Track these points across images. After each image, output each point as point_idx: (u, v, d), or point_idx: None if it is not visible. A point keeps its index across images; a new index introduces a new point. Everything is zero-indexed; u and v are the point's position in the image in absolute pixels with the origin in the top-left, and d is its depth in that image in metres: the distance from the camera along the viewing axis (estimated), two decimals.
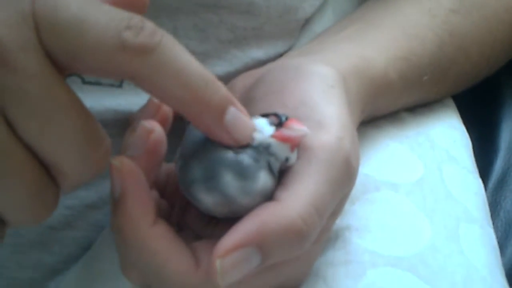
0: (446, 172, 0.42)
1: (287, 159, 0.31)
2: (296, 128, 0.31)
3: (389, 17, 0.45)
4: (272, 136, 0.31)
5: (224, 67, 0.42)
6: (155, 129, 0.32)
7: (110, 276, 0.38)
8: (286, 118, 0.31)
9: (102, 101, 0.39)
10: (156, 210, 0.31)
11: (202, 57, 0.41)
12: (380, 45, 0.42)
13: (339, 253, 0.37)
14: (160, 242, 0.30)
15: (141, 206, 0.30)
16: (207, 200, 0.31)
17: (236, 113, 0.29)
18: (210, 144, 0.30)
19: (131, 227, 0.30)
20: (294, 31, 0.45)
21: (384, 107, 0.43)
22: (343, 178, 0.32)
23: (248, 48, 0.43)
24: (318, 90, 0.35)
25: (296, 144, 0.31)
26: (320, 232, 0.33)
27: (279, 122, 0.31)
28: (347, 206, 0.36)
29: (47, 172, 0.28)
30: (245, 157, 0.30)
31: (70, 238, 0.41)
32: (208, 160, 0.30)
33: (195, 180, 0.30)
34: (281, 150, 0.31)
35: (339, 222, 0.37)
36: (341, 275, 0.36)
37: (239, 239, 0.29)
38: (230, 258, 0.29)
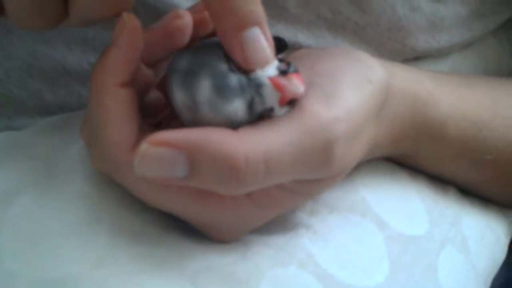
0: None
1: (271, 109, 0.30)
2: (293, 82, 0.30)
3: (492, 86, 0.42)
4: (269, 78, 0.30)
5: (305, 38, 0.41)
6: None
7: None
8: (295, 71, 0.30)
9: None
10: (130, 77, 0.31)
11: (292, 18, 0.41)
12: (456, 96, 0.39)
13: None
14: (114, 102, 0.30)
15: (117, 62, 0.30)
16: (178, 95, 0.30)
17: (258, 35, 0.29)
18: (215, 48, 0.30)
19: (100, 76, 0.30)
20: (395, 54, 0.43)
21: (429, 160, 0.40)
22: (315, 157, 0.30)
23: (341, 40, 0.42)
24: (352, 74, 0.33)
25: (285, 98, 0.30)
26: (265, 194, 0.31)
27: (284, 71, 0.30)
28: None
29: None
30: (234, 78, 0.30)
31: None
32: (201, 58, 0.30)
33: (178, 70, 0.30)
34: (270, 96, 0.30)
35: None
36: None
37: (175, 138, 0.28)
38: (157, 150, 0.28)
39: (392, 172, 0.39)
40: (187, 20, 0.33)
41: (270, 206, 0.32)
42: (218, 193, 0.30)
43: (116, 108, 0.30)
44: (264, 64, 0.29)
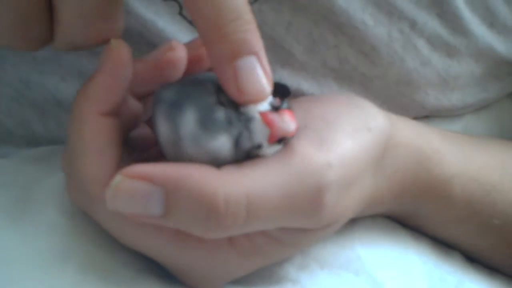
0: None
1: (259, 146, 0.28)
2: (285, 119, 0.28)
3: (502, 148, 0.40)
4: (260, 112, 0.28)
5: (309, 86, 0.40)
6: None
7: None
8: (288, 108, 0.29)
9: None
10: (113, 107, 0.29)
11: (297, 64, 0.39)
12: (463, 155, 0.37)
13: None
14: (93, 131, 0.28)
15: (100, 89, 0.29)
16: (161, 128, 0.28)
17: (253, 64, 0.27)
18: (206, 82, 0.29)
19: (80, 102, 0.29)
20: (404, 110, 0.41)
21: (431, 222, 0.37)
22: (303, 203, 0.28)
23: (346, 90, 0.40)
24: (350, 120, 0.31)
25: (274, 135, 0.28)
26: (248, 241, 0.29)
27: (277, 107, 0.28)
28: None
29: (46, 6, 0.27)
30: (222, 112, 0.28)
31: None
32: (188, 89, 0.29)
33: (163, 101, 0.29)
34: (259, 132, 0.28)
35: None
36: None
37: (152, 172, 0.26)
38: (131, 183, 0.26)
39: (393, 231, 0.37)
40: (181, 53, 0.31)
41: (253, 255, 0.30)
42: (196, 235, 0.28)
43: (94, 137, 0.29)
44: (259, 96, 0.27)
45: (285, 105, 0.28)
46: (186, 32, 0.37)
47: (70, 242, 0.30)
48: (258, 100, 0.27)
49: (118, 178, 0.26)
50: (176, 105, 0.28)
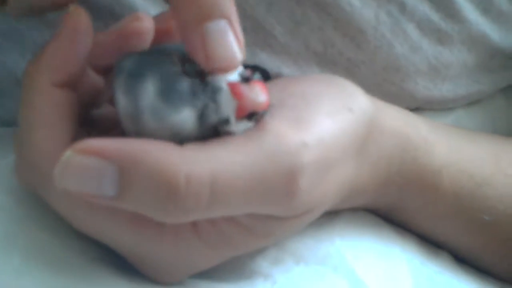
0: None
1: (227, 121, 0.25)
2: (254, 90, 0.25)
3: (494, 141, 0.37)
4: (228, 82, 0.25)
5: (290, 71, 0.37)
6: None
7: None
8: (259, 80, 0.26)
9: None
10: (68, 77, 0.26)
11: (279, 47, 0.36)
12: (453, 145, 0.34)
13: None
14: (45, 103, 0.26)
15: (54, 58, 0.26)
16: (120, 100, 0.26)
17: (224, 28, 0.24)
18: (170, 51, 0.26)
19: (33, 72, 0.26)
20: (392, 100, 0.39)
21: (418, 216, 0.34)
22: (275, 186, 0.25)
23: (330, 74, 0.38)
24: (330, 100, 0.28)
25: (243, 107, 0.25)
26: (213, 229, 0.26)
27: (247, 78, 0.26)
28: None
29: None
30: (186, 83, 0.25)
31: None
32: (150, 59, 0.26)
33: (122, 71, 0.26)
34: (226, 104, 0.25)
35: None
36: None
37: (105, 146, 0.24)
38: (82, 158, 0.23)
39: (376, 225, 0.34)
40: (147, 24, 0.29)
41: (220, 245, 0.27)
42: (155, 220, 0.25)
43: (47, 110, 0.26)
44: (229, 63, 0.25)
45: (256, 76, 0.26)
46: (158, 7, 0.34)
47: (16, 227, 0.27)
48: (227, 67, 0.25)
49: (68, 153, 0.24)
50: (136, 75, 0.25)
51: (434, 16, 0.37)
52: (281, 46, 0.36)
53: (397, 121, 0.32)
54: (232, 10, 0.24)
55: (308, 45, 0.37)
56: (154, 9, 0.34)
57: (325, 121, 0.27)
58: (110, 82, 0.30)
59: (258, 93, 0.25)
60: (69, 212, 0.26)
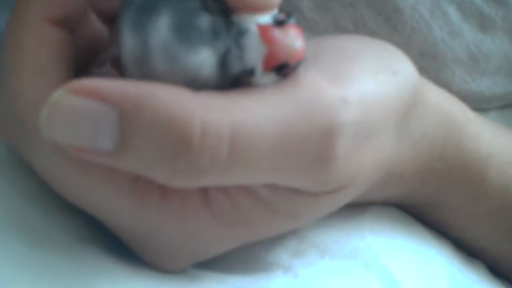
0: None
1: (251, 71, 0.21)
2: (290, 34, 0.21)
3: None
4: (258, 25, 0.21)
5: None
6: None
7: None
8: (295, 24, 0.22)
9: None
10: (64, 14, 0.22)
11: (304, 23, 0.32)
12: (500, 134, 0.30)
13: None
14: (34, 40, 0.22)
15: None
16: (126, 38, 0.21)
17: None
18: None
19: (22, 6, 0.22)
20: None
21: (457, 214, 0.30)
22: (308, 148, 0.21)
23: None
24: (372, 58, 0.24)
25: (274, 55, 0.21)
26: (228, 202, 0.22)
27: (282, 21, 0.22)
28: None
29: None
30: (206, 19, 0.21)
31: None
32: None
33: (131, 4, 0.21)
34: (254, 50, 0.21)
35: None
36: None
37: (107, 87, 0.19)
38: (76, 100, 0.19)
39: (409, 224, 0.30)
40: None
41: (235, 222, 0.22)
42: (161, 186, 0.21)
43: (35, 48, 0.22)
44: (261, 3, 0.20)
45: (292, 19, 0.22)
46: None
47: None
48: (261, 6, 0.20)
49: (58, 93, 0.19)
50: (146, 8, 0.21)
51: None
52: (307, 22, 0.32)
53: (441, 97, 0.28)
54: None
55: (338, 23, 0.33)
56: None
57: (367, 79, 0.23)
58: (115, 34, 0.26)
59: (294, 39, 0.21)
60: (55, 175, 0.22)
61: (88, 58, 0.25)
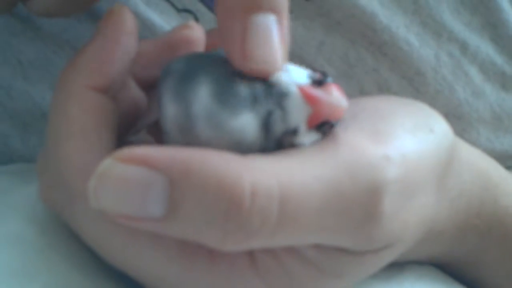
0: None
1: (295, 130, 0.22)
2: (333, 93, 0.22)
3: None
4: (298, 86, 0.22)
5: None
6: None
7: None
8: (333, 83, 0.22)
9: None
10: (108, 82, 0.23)
11: None
12: None
13: None
14: (80, 107, 0.22)
15: (93, 58, 0.23)
16: (168, 106, 0.22)
17: (270, 25, 0.21)
18: (223, 54, 0.23)
19: (68, 74, 0.23)
20: None
21: (495, 273, 0.30)
22: (354, 206, 0.21)
23: None
24: (409, 117, 0.25)
25: (318, 116, 0.22)
26: (274, 262, 0.22)
27: (319, 81, 0.22)
28: None
29: None
30: (244, 85, 0.22)
31: None
32: (201, 59, 0.22)
33: (170, 73, 0.22)
34: (296, 111, 0.22)
35: None
36: None
37: (156, 155, 0.19)
38: (125, 168, 0.19)
39: (448, 283, 0.29)
40: (198, 33, 0.26)
41: (282, 284, 0.22)
42: (208, 250, 0.21)
43: (82, 115, 0.22)
44: (266, 66, 0.21)
45: (329, 79, 0.22)
46: (170, 19, 0.31)
47: (37, 259, 0.22)
48: (263, 71, 0.21)
49: (107, 162, 0.19)
50: (187, 77, 0.22)
51: (498, 59, 0.34)
52: None
53: (474, 155, 0.28)
54: (284, 5, 0.21)
55: (363, 88, 0.34)
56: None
57: (406, 136, 0.23)
58: (153, 102, 0.27)
59: (338, 98, 0.22)
60: (101, 240, 0.22)
61: (127, 124, 0.25)
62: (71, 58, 0.23)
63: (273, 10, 0.21)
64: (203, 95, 0.21)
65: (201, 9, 0.32)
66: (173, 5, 0.32)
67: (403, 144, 0.23)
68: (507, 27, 0.34)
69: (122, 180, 0.19)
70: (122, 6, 0.23)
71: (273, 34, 0.21)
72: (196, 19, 0.32)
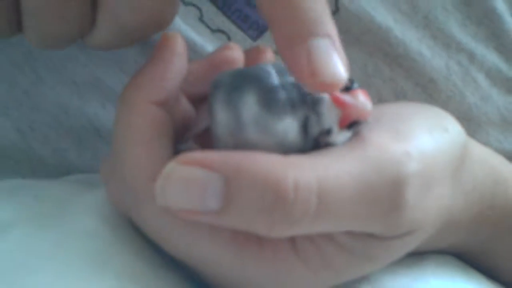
0: None
1: (329, 131, 0.25)
2: (359, 98, 0.25)
3: None
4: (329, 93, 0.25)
5: None
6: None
7: None
8: (360, 88, 0.26)
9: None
10: (165, 97, 0.26)
11: None
12: None
13: None
14: (143, 119, 0.26)
15: (152, 77, 0.26)
16: (220, 114, 0.26)
17: (328, 47, 0.23)
18: (265, 67, 0.26)
19: (130, 91, 0.26)
20: None
21: (508, 259, 0.33)
22: (381, 196, 0.24)
23: None
24: (425, 118, 0.28)
25: (348, 116, 0.25)
26: (313, 248, 0.25)
27: (346, 87, 0.26)
28: None
29: None
30: (284, 92, 0.25)
31: None
32: (245, 72, 0.26)
33: (220, 85, 0.26)
34: (329, 114, 0.25)
35: None
36: None
37: (212, 157, 0.23)
38: (187, 170, 0.23)
39: (466, 269, 0.33)
40: (238, 53, 0.29)
41: (321, 266, 0.25)
42: (256, 238, 0.24)
43: (144, 126, 0.26)
44: (335, 80, 0.23)
45: (355, 84, 0.26)
46: (207, 39, 0.35)
47: (109, 251, 0.26)
48: (333, 85, 0.23)
49: (171, 165, 0.23)
50: (235, 88, 0.25)
51: (503, 66, 0.38)
52: None
53: (485, 152, 0.32)
54: (334, 28, 0.24)
55: (381, 96, 0.37)
56: (203, 40, 0.35)
57: (424, 135, 0.27)
58: (201, 115, 0.30)
59: (364, 102, 0.25)
60: (165, 234, 0.26)
61: (179, 133, 0.29)
62: (133, 76, 0.27)
63: (327, 34, 0.24)
64: (250, 103, 0.25)
65: (233, 29, 0.36)
66: (208, 26, 0.35)
67: (421, 142, 0.26)
68: (510, 37, 0.38)
69: (184, 180, 0.23)
70: (174, 32, 0.27)
71: (333, 53, 0.24)
72: (229, 38, 0.36)
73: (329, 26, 0.24)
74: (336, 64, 0.24)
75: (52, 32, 0.26)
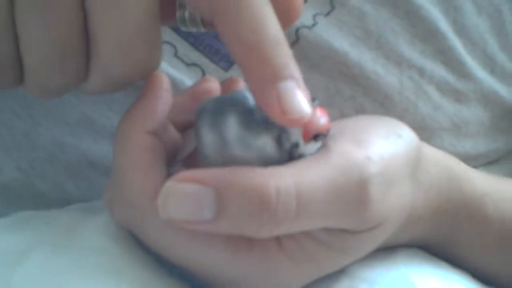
0: None
1: (297, 144, 0.29)
2: (316, 115, 0.30)
3: None
4: None
5: None
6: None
7: None
8: (319, 105, 0.30)
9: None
10: (157, 126, 0.30)
11: None
12: (490, 177, 0.38)
13: None
14: (139, 148, 0.29)
15: (144, 111, 0.30)
16: (206, 136, 0.30)
17: (295, 88, 0.27)
18: (242, 94, 0.30)
19: (125, 123, 0.30)
20: None
21: (471, 248, 0.37)
22: (349, 196, 0.28)
23: None
24: (381, 127, 0.32)
25: (307, 131, 0.29)
26: (296, 244, 0.29)
27: None
28: None
29: (84, 37, 0.28)
30: (259, 116, 0.29)
31: None
32: (225, 99, 0.30)
33: (205, 111, 0.30)
34: (293, 131, 0.29)
35: None
36: None
37: (204, 173, 0.27)
38: (183, 186, 0.27)
39: (433, 259, 0.37)
40: (215, 84, 0.33)
41: (304, 261, 0.29)
42: (247, 240, 0.28)
43: (141, 153, 0.29)
44: (302, 115, 0.27)
45: (315, 103, 0.30)
46: (183, 72, 0.39)
47: (121, 265, 0.29)
48: (301, 120, 0.27)
49: (169, 183, 0.27)
50: (218, 112, 0.29)
51: (450, 78, 0.42)
52: None
53: (438, 154, 0.36)
54: (298, 72, 0.28)
55: (343, 113, 0.41)
56: (180, 75, 0.39)
57: (381, 142, 0.31)
58: (187, 140, 0.34)
59: (319, 117, 0.29)
60: (167, 244, 0.29)
61: (169, 158, 0.33)
62: (127, 110, 0.31)
63: (292, 76, 0.27)
64: (232, 124, 0.29)
65: (205, 62, 0.40)
66: (183, 61, 0.39)
67: (379, 148, 0.30)
68: (453, 51, 0.42)
69: (182, 194, 0.27)
70: (158, 73, 0.31)
71: (298, 92, 0.27)
72: (203, 71, 0.40)
73: (293, 68, 0.27)
74: (301, 102, 0.27)
75: (51, 84, 0.29)
